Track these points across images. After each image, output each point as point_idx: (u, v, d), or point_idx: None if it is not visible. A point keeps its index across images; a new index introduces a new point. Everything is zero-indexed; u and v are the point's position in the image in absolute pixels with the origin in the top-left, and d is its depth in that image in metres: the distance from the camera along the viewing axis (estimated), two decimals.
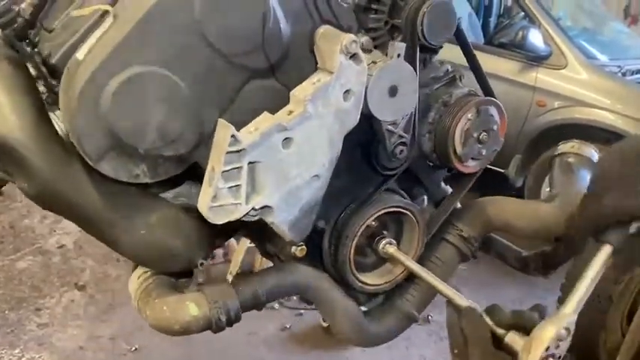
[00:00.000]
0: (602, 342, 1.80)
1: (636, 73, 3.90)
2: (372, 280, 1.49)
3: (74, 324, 2.93)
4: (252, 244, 1.78)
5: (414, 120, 1.35)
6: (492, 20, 5.05)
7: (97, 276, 3.34)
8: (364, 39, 1.25)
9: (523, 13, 4.07)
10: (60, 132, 1.13)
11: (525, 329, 1.14)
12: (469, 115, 1.42)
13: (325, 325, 2.90)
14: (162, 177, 1.13)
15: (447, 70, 1.53)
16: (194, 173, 1.20)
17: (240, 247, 2.94)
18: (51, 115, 1.14)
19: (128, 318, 2.92)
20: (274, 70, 1.16)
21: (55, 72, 1.10)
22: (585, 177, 1.60)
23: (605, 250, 1.18)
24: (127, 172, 1.08)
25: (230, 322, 1.25)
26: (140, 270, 1.37)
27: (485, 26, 4.95)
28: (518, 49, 3.72)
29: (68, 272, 3.37)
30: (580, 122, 3.58)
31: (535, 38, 3.67)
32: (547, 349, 1.09)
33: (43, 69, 1.16)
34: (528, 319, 1.16)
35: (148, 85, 1.02)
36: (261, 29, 1.10)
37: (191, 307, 1.22)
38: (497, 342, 1.16)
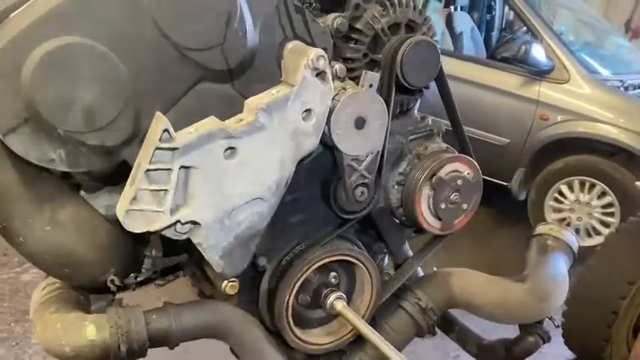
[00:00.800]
0: (607, 356, 1.70)
1: (638, 88, 3.92)
2: (313, 338, 1.31)
3: None
4: None
5: (381, 162, 1.23)
6: (495, 35, 5.13)
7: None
8: (338, 66, 1.16)
9: (525, 28, 4.12)
10: None
11: None
12: (426, 192, 1.31)
13: None
14: (81, 168, 0.99)
15: (427, 123, 1.44)
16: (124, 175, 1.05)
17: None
18: None
19: None
20: (232, 76, 1.06)
21: None
22: (560, 261, 1.47)
23: None
24: (39, 153, 0.94)
25: (132, 355, 1.07)
26: (48, 280, 1.20)
27: (487, 40, 5.04)
28: (521, 63, 3.73)
29: None
30: (583, 136, 3.59)
31: (537, 52, 3.68)
32: None
33: None
34: None
35: (81, 59, 0.91)
36: (224, 27, 1.00)
37: (89, 329, 1.04)
38: None
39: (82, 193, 1.13)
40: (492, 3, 5.21)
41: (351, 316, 1.24)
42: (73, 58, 0.90)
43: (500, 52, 4.12)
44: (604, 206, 3.51)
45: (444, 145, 1.41)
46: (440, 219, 1.35)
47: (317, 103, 1.06)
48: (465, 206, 1.34)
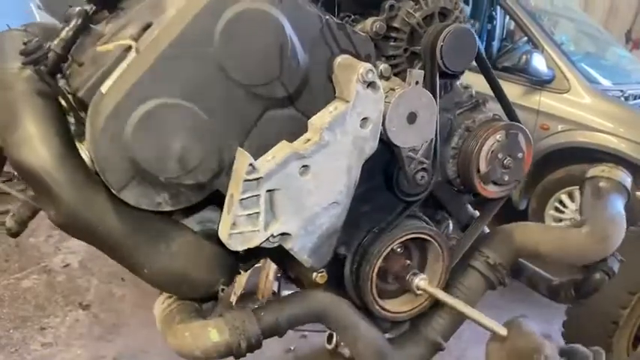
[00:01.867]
0: None
1: (638, 98, 3.93)
2: (396, 307, 1.47)
3: (78, 343, 2.91)
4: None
5: (435, 146, 1.35)
6: (495, 44, 5.07)
7: (102, 295, 3.34)
8: (383, 66, 1.27)
9: (526, 38, 4.12)
10: (88, 162, 1.17)
11: None
12: (498, 137, 1.41)
13: (330, 347, 2.89)
14: (183, 205, 1.15)
15: (470, 94, 1.53)
16: (218, 198, 1.22)
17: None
18: (79, 145, 1.19)
19: (132, 338, 2.92)
20: (292, 99, 1.18)
21: (82, 104, 1.15)
22: (616, 202, 1.55)
23: None
24: (149, 201, 1.11)
25: (251, 349, 1.26)
26: (165, 295, 1.39)
27: (488, 50, 4.98)
28: (522, 73, 3.77)
29: (73, 291, 3.35)
30: (583, 146, 3.61)
31: (538, 62, 3.71)
32: None
33: (73, 102, 1.21)
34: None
35: (167, 116, 1.05)
36: (279, 60, 1.12)
37: (212, 333, 1.24)
38: None
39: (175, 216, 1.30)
40: (493, 13, 5.05)
41: (434, 291, 1.38)
42: (162, 117, 1.05)
43: (501, 61, 4.10)
44: None
45: (491, 114, 1.50)
46: (497, 184, 1.46)
47: (371, 110, 1.17)
48: (506, 179, 1.44)
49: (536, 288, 1.73)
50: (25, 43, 1.18)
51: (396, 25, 1.30)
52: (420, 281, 1.37)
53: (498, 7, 4.82)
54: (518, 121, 1.47)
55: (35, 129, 1.12)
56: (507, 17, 4.82)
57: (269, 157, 1.12)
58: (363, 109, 1.16)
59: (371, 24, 1.27)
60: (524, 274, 1.76)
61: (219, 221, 1.21)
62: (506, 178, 1.45)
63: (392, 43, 1.31)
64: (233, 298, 2.97)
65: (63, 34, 1.26)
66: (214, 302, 1.46)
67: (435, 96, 1.29)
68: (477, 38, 1.31)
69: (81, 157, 1.17)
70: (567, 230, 1.53)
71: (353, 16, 1.31)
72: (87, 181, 1.14)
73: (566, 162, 3.68)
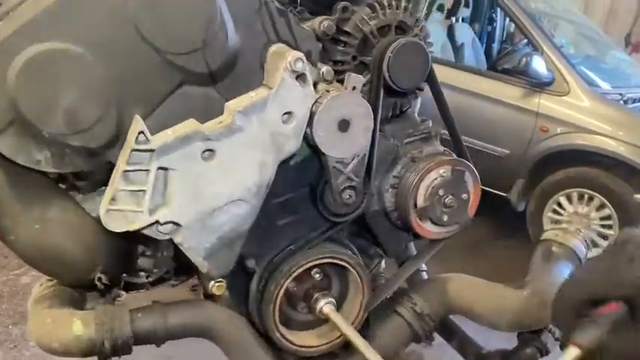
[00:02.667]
0: None
1: (638, 102, 3.96)
2: (304, 340, 1.31)
3: None
4: None
5: (370, 165, 1.23)
6: (495, 46, 5.18)
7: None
8: (325, 68, 1.17)
9: (526, 40, 4.15)
10: None
11: None
12: (442, 171, 1.29)
13: None
14: (67, 169, 1.02)
15: (426, 126, 1.42)
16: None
17: None
18: None
19: None
20: (215, 79, 1.07)
21: None
22: (564, 269, 1.41)
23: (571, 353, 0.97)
24: (25, 155, 0.98)
25: (116, 351, 1.09)
26: (45, 278, 1.24)
27: (488, 52, 5.07)
28: (522, 75, 3.76)
29: None
30: (582, 148, 3.63)
31: (538, 65, 3.71)
32: None
33: None
34: None
35: (62, 64, 0.94)
36: (204, 31, 1.02)
37: (76, 324, 1.08)
38: None
39: (79, 197, 1.17)
40: (493, 15, 5.29)
41: (338, 320, 1.23)
42: (54, 63, 0.94)
43: (500, 63, 4.14)
44: (602, 218, 3.50)
45: (441, 148, 1.39)
46: (436, 224, 1.33)
47: (297, 105, 1.07)
48: (445, 219, 1.31)
49: (464, 355, 1.57)
50: None
51: (347, 29, 1.21)
52: (326, 305, 1.22)
53: (498, 9, 4.94)
54: (468, 160, 1.35)
55: None
56: (507, 19, 4.97)
57: (169, 132, 1.00)
58: (287, 101, 1.05)
59: (319, 22, 1.17)
60: (454, 337, 1.59)
61: None
62: (446, 218, 1.32)
63: (340, 48, 1.22)
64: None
65: None
66: (108, 299, 1.30)
67: (376, 110, 1.19)
68: (429, 57, 1.22)
69: None
70: (508, 290, 1.38)
71: (299, 8, 1.22)
72: None
73: (565, 164, 3.69)
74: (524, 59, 3.72)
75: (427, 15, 4.45)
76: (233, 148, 1.03)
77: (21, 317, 2.97)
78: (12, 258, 3.43)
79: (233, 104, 1.04)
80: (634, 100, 3.96)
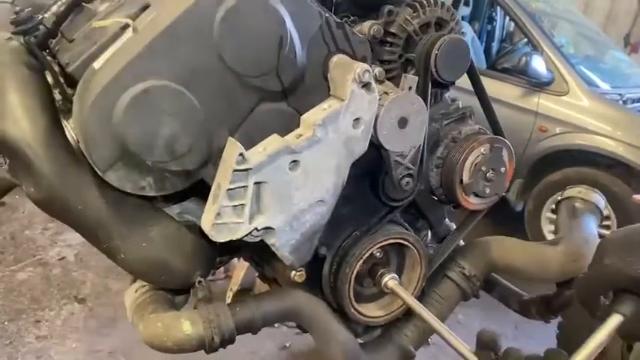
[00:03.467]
0: None
1: (637, 102, 3.95)
2: (371, 311, 1.47)
3: (73, 337, 2.90)
4: None
5: (422, 152, 1.36)
6: (495, 45, 5.12)
7: (98, 289, 3.31)
8: (377, 70, 1.27)
9: (526, 39, 4.13)
10: (71, 140, 1.14)
11: None
12: (482, 150, 1.43)
13: None
14: (168, 191, 1.13)
15: (458, 106, 1.55)
16: (201, 190, 1.20)
17: (242, 263, 2.92)
18: (64, 122, 1.16)
19: (128, 333, 2.87)
20: (287, 94, 1.18)
21: (71, 81, 1.12)
22: (590, 222, 1.59)
23: (614, 320, 1.08)
24: (132, 184, 1.08)
25: (224, 344, 1.24)
26: (138, 284, 1.36)
27: (487, 51, 5.03)
28: (521, 74, 3.77)
29: (68, 285, 3.34)
30: (581, 148, 3.62)
31: (538, 64, 3.72)
32: None
33: (60, 77, 1.18)
34: None
35: (160, 99, 1.03)
36: (277, 53, 1.12)
37: (185, 325, 1.21)
38: None
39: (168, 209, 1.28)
40: (493, 14, 5.07)
41: (403, 294, 1.39)
42: (154, 99, 1.03)
43: (500, 62, 4.12)
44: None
45: (477, 127, 1.52)
46: (479, 196, 1.48)
47: (364, 111, 1.18)
48: (487, 191, 1.46)
49: (507, 303, 1.75)
50: (16, 13, 1.14)
51: (393, 30, 1.31)
52: (390, 281, 1.38)
53: (498, 8, 4.84)
54: (503, 136, 1.49)
55: (20, 101, 1.08)
56: (507, 18, 4.93)
57: (260, 149, 1.11)
58: (357, 109, 1.17)
59: (369, 27, 1.27)
60: (496, 288, 1.78)
61: (201, 212, 1.19)
62: (488, 190, 1.47)
63: (387, 48, 1.32)
64: (229, 294, 2.95)
65: (54, 8, 1.23)
66: (187, 295, 1.44)
67: (426, 104, 1.30)
68: (470, 51, 1.33)
69: (65, 135, 1.14)
70: (544, 247, 1.55)
71: (352, 17, 1.31)
72: (70, 158, 1.11)
73: (563, 164, 3.70)
74: (523, 59, 3.73)
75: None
76: (314, 157, 1.15)
77: (17, 314, 3.00)
78: (8, 254, 3.48)
79: (310, 118, 1.15)
80: (633, 101, 3.94)
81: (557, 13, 4.91)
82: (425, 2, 1.32)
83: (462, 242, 1.75)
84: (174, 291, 1.36)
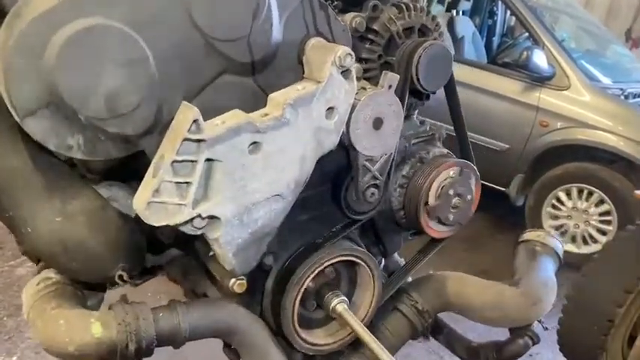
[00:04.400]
0: None
1: (638, 97, 3.94)
2: (316, 338, 1.30)
3: None
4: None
5: (390, 165, 1.24)
6: (496, 40, 5.12)
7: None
8: (356, 66, 1.16)
9: (527, 34, 4.11)
10: None
11: None
12: (451, 172, 1.33)
13: None
14: (99, 156, 0.94)
15: (427, 128, 1.46)
16: (136, 173, 1.01)
17: None
18: None
19: None
20: (254, 69, 1.04)
21: (2, 11, 0.93)
22: (549, 267, 1.52)
23: None
24: (58, 139, 0.89)
25: (139, 354, 1.02)
26: (42, 275, 1.13)
27: (488, 45, 5.03)
28: (522, 69, 3.72)
29: None
30: (582, 143, 3.59)
31: (539, 59, 3.68)
32: None
33: None
34: None
35: (107, 43, 0.86)
36: (251, 19, 0.98)
37: (95, 326, 0.99)
38: None
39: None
40: (494, 8, 5.11)
41: (351, 320, 1.23)
42: (100, 41, 0.86)
43: (501, 57, 4.12)
44: (601, 214, 3.55)
45: (445, 150, 1.43)
46: (442, 223, 1.37)
47: (340, 101, 1.05)
48: (450, 218, 1.36)
49: (453, 349, 1.63)
50: None
51: (375, 27, 1.22)
52: (338, 305, 1.22)
53: (499, 3, 4.84)
54: (472, 161, 1.40)
55: None
56: (508, 12, 4.96)
57: (217, 122, 0.95)
58: (332, 96, 1.04)
59: (351, 18, 1.18)
60: (442, 331, 1.65)
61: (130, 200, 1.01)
62: (452, 217, 1.36)
63: (367, 46, 1.22)
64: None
65: None
66: (101, 297, 1.22)
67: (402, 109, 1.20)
68: (452, 62, 1.25)
69: None
70: (503, 287, 1.45)
71: (336, 3, 1.21)
72: None
73: (564, 159, 3.67)
74: (524, 53, 3.67)
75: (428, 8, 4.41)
76: (278, 141, 1.00)
77: (16, 309, 2.90)
78: (7, 249, 3.33)
79: (280, 97, 1.01)
80: (635, 95, 3.89)
81: (558, 7, 4.90)
82: (411, 5, 1.24)
83: (409, 278, 1.64)
84: (87, 288, 1.14)
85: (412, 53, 1.20)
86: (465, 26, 4.56)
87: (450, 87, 1.31)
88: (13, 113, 0.86)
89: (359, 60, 1.22)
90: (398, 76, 1.15)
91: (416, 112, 1.45)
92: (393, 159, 1.24)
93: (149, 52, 0.91)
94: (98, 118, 0.89)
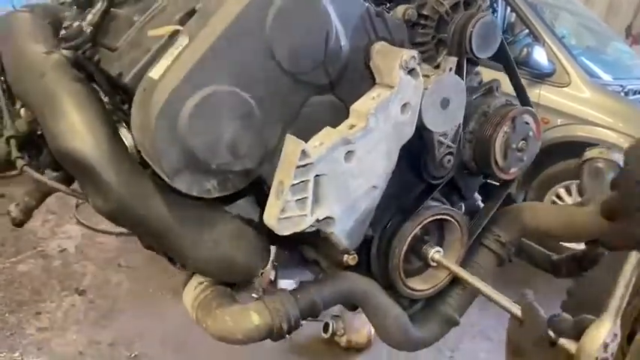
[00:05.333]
0: None
1: (638, 93, 3.93)
2: (418, 285, 1.53)
3: (74, 329, 2.93)
4: None
5: (460, 130, 1.40)
6: None
7: (98, 281, 3.33)
8: (415, 53, 1.30)
9: (527, 30, 4.08)
10: (129, 148, 1.16)
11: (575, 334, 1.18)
12: (505, 128, 1.47)
13: (326, 336, 2.95)
14: (230, 191, 1.16)
15: (481, 80, 1.58)
16: (250, 187, 1.23)
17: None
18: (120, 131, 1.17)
19: (128, 324, 2.94)
20: (333, 86, 1.20)
21: (124, 90, 1.13)
22: None
23: (634, 257, 1.17)
24: (199, 187, 1.11)
25: (290, 330, 1.29)
26: (195, 280, 1.39)
27: None
28: (522, 65, 3.71)
29: (69, 277, 3.36)
30: (582, 140, 3.58)
31: (539, 55, 3.69)
32: (603, 348, 1.14)
33: (108, 87, 1.18)
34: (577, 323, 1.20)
35: (221, 104, 1.05)
36: (324, 47, 1.14)
37: (254, 316, 1.26)
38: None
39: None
40: (494, 5, 5.04)
41: (449, 264, 1.45)
42: (215, 105, 1.05)
43: None
44: None
45: (504, 100, 1.56)
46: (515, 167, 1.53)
47: (411, 96, 1.21)
48: (524, 158, 1.51)
49: (537, 264, 1.83)
50: (65, 28, 1.14)
51: (425, 12, 1.33)
52: (435, 254, 1.43)
53: None
54: (530, 105, 1.53)
55: (79, 116, 1.09)
56: (508, 9, 4.81)
57: (316, 143, 1.14)
58: (405, 96, 1.20)
59: (403, 11, 1.30)
60: (524, 251, 1.85)
61: (250, 207, 1.23)
62: (525, 158, 1.52)
63: (420, 30, 1.35)
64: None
65: (90, 17, 1.23)
66: (238, 288, 1.48)
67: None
68: (499, 28, 1.36)
69: (124, 144, 1.15)
70: (574, 209, 1.62)
71: (389, 4, 1.33)
72: (133, 168, 1.13)
73: (564, 156, 3.67)
74: (525, 50, 3.68)
75: None
76: (367, 145, 1.18)
77: (18, 305, 3.00)
78: (9, 246, 3.49)
79: (361, 108, 1.17)
80: (635, 92, 3.91)
81: (558, 4, 4.87)
82: None
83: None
84: (231, 284, 1.40)
85: (464, 29, 1.32)
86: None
87: (502, 49, 1.43)
88: (163, 175, 1.08)
89: (414, 44, 1.36)
90: (456, 59, 1.28)
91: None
92: (461, 125, 1.39)
93: (251, 100, 1.09)
94: (225, 164, 1.10)
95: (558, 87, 3.73)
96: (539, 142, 1.56)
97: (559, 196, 3.72)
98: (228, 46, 1.04)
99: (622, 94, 3.84)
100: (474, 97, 1.54)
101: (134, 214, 1.13)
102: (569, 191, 3.69)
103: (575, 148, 3.55)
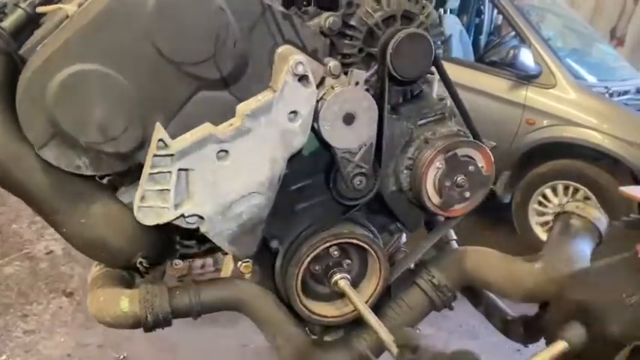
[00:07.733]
0: None
1: (623, 95, 4.00)
2: (325, 311, 1.44)
3: (61, 331, 2.89)
4: None
5: (378, 152, 1.30)
6: (483, 38, 5.13)
7: (86, 283, 3.36)
8: (332, 63, 1.23)
9: (514, 32, 4.17)
10: None
11: None
12: (437, 164, 1.34)
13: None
14: (105, 171, 1.18)
15: (444, 105, 1.46)
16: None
17: (229, 256, 2.93)
18: None
19: None
20: (228, 83, 1.18)
21: (24, 63, 1.19)
22: (581, 242, 1.45)
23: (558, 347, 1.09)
24: (68, 162, 1.14)
25: (157, 324, 1.27)
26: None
27: (475, 44, 5.02)
28: (509, 67, 3.81)
29: (56, 279, 3.31)
30: (568, 141, 3.69)
31: (525, 57, 3.75)
32: None
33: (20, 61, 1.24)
34: None
35: (91, 82, 1.07)
36: (213, 42, 1.12)
37: (123, 302, 1.26)
38: None
39: (122, 189, 1.33)
40: (482, 7, 5.08)
41: (351, 293, 1.34)
42: (85, 82, 1.07)
43: (488, 55, 4.18)
44: None
45: (456, 128, 1.42)
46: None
47: (301, 105, 1.15)
48: (467, 195, 1.36)
49: (489, 319, 1.64)
50: None
51: (352, 23, 1.27)
52: (340, 280, 1.33)
53: (487, 1, 4.94)
54: (477, 134, 1.39)
55: None
56: (495, 11, 4.92)
57: (187, 136, 1.12)
58: (292, 102, 1.14)
59: (325, 19, 1.24)
60: (482, 302, 1.67)
61: None
62: (468, 194, 1.37)
63: (347, 42, 1.28)
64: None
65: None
66: (162, 271, 1.47)
67: (383, 100, 1.25)
68: (433, 46, 1.25)
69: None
70: (520, 263, 1.43)
71: (309, 8, 1.28)
72: (20, 137, 1.17)
73: (550, 157, 3.75)
74: (511, 52, 3.77)
75: None
76: (244, 147, 1.14)
77: (4, 308, 2.95)
78: None
79: (242, 107, 1.14)
80: (619, 94, 3.98)
81: (544, 6, 4.90)
82: None
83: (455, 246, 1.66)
84: (122, 268, 1.39)
85: (385, 45, 1.23)
86: (453, 25, 4.54)
87: (440, 70, 1.31)
88: (33, 145, 1.12)
89: (342, 56, 1.29)
90: (364, 73, 1.20)
91: (432, 90, 1.46)
92: (379, 147, 1.29)
93: (127, 83, 1.10)
94: (94, 143, 1.12)
95: (544, 88, 3.80)
96: (491, 175, 1.40)
97: (545, 197, 3.78)
98: (100, 29, 1.06)
99: (607, 95, 3.90)
100: (420, 122, 1.43)
101: (12, 177, 1.18)
102: (555, 192, 3.75)
103: (561, 148, 3.69)
